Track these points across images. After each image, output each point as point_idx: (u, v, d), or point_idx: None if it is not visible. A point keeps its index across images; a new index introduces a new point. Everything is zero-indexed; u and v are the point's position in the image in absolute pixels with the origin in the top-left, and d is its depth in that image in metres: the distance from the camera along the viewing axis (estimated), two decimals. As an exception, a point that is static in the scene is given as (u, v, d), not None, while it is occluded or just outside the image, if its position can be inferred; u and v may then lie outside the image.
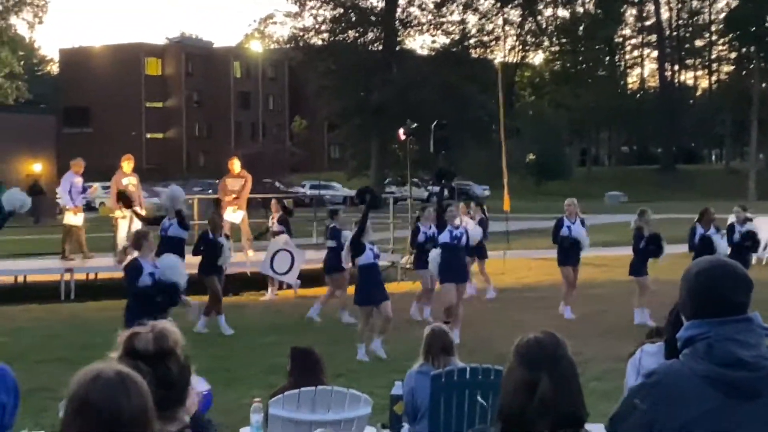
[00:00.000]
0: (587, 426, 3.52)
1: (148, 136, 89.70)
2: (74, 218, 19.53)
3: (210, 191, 36.48)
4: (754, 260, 19.12)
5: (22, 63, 73.44)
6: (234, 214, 20.28)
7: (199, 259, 15.49)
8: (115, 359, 2.87)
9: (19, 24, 70.79)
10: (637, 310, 15.41)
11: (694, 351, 3.28)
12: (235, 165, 21.13)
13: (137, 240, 11.61)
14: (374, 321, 13.01)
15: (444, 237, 14.16)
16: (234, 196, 20.50)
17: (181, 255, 14.27)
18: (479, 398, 6.78)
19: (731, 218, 18.12)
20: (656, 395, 3.27)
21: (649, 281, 15.55)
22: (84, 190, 20.01)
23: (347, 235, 15.31)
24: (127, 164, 20.05)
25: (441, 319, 12.30)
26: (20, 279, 19.65)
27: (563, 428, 3.25)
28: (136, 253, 11.35)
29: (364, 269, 13.10)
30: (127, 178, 19.79)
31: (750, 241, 16.98)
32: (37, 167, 51.48)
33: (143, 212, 19.84)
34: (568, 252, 16.17)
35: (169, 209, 15.65)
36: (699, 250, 14.96)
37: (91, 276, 19.77)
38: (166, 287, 10.78)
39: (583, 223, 16.79)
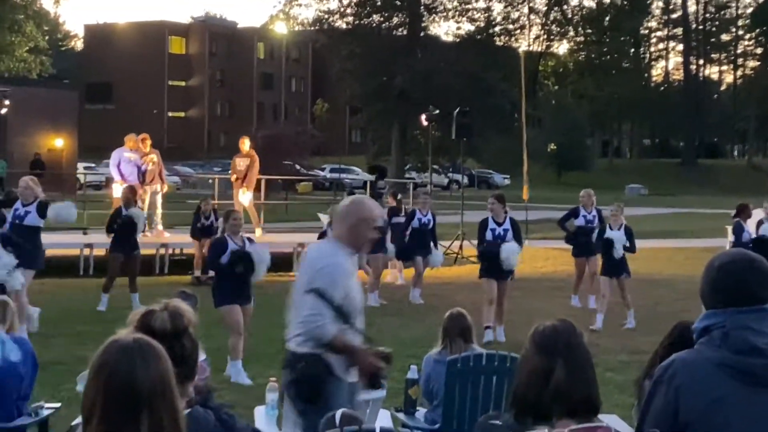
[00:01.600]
0: (601, 416, 3.53)
1: (170, 114, 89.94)
2: (118, 191, 19.57)
3: (230, 171, 36.50)
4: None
5: (46, 38, 73.58)
6: (243, 196, 20.36)
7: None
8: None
9: (44, 0, 71.05)
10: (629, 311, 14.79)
11: (710, 340, 3.34)
12: (244, 144, 21.13)
13: (225, 217, 11.41)
14: None
15: (487, 235, 13.20)
16: (240, 177, 20.57)
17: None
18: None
19: (760, 214, 17.94)
20: (675, 385, 3.32)
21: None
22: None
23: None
24: (140, 143, 19.93)
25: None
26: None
27: (577, 415, 3.27)
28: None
29: None
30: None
31: None
32: (58, 142, 51.62)
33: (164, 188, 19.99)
34: (584, 244, 15.82)
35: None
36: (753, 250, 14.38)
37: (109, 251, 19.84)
38: (244, 255, 10.56)
39: (600, 215, 16.64)
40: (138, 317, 3.08)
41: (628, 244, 14.53)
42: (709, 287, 3.42)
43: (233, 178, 21.06)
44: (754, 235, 15.73)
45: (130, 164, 19.60)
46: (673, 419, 3.30)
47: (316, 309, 5.40)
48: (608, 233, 14.48)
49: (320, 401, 5.48)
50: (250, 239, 11.43)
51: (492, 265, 12.92)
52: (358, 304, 5.69)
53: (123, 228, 14.91)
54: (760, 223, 16.71)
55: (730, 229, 17.06)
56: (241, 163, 20.86)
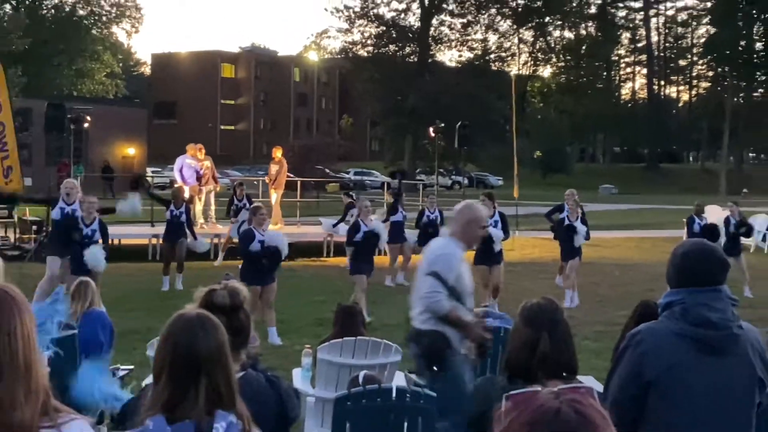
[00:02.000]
0: (579, 377, 3.54)
1: (222, 128, 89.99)
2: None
3: (266, 176, 36.54)
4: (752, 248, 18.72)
5: (120, 65, 73.91)
6: (272, 196, 20.45)
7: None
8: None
9: (119, 32, 71.35)
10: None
11: (671, 313, 3.35)
12: (276, 152, 21.08)
13: (253, 212, 11.44)
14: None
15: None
16: (272, 179, 20.56)
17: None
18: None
19: (725, 212, 17.85)
20: (641, 350, 3.32)
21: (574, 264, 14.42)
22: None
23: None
24: (197, 151, 19.95)
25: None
26: (116, 242, 19.81)
27: (559, 377, 3.28)
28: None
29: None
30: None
31: (744, 228, 16.55)
32: (131, 151, 51.90)
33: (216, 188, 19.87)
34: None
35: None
36: (699, 237, 14.48)
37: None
38: (272, 251, 10.71)
39: (582, 212, 16.46)
40: (203, 294, 3.10)
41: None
42: (674, 270, 3.43)
43: (268, 180, 21.21)
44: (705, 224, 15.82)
45: (191, 169, 19.67)
46: (638, 378, 3.29)
47: (434, 287, 5.53)
48: (571, 222, 14.32)
49: (444, 370, 5.52)
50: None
51: (484, 252, 12.61)
52: (468, 287, 5.77)
53: (171, 222, 15.18)
54: (727, 220, 16.51)
55: (710, 219, 17.06)
56: (273, 168, 20.86)
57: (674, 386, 3.25)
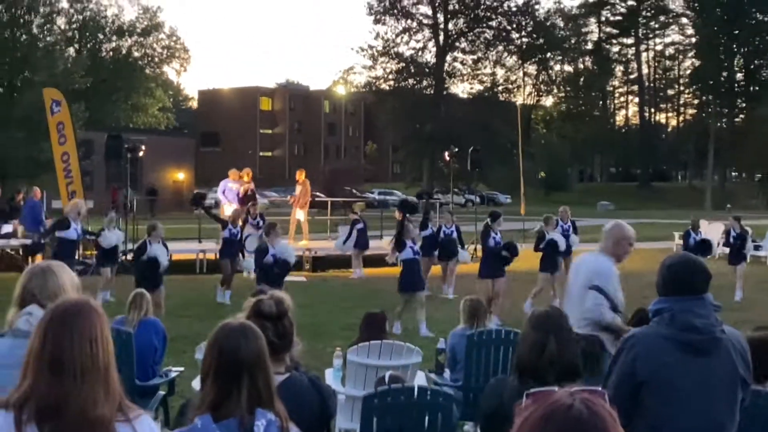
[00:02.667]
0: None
1: (261, 154, 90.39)
2: (228, 210, 19.73)
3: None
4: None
5: (171, 100, 74.50)
6: (299, 214, 20.34)
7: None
8: (242, 318, 2.92)
9: (169, 71, 72.00)
10: (529, 300, 13.56)
11: (660, 319, 3.39)
12: (299, 175, 20.84)
13: (267, 229, 11.58)
14: (415, 305, 11.84)
15: (491, 244, 12.58)
16: (296, 200, 20.42)
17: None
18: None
19: (722, 225, 17.54)
20: (634, 353, 3.34)
21: (557, 277, 13.82)
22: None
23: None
24: (245, 174, 20.03)
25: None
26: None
27: (565, 377, 3.25)
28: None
29: (406, 263, 11.96)
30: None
31: (740, 241, 15.94)
32: (180, 175, 52.23)
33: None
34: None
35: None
36: (694, 250, 14.09)
37: (218, 256, 19.88)
38: (282, 263, 10.84)
39: (574, 225, 16.35)
40: (251, 303, 3.09)
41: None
42: (662, 280, 3.45)
43: (291, 200, 21.00)
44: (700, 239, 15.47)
45: (232, 191, 19.75)
46: (631, 378, 3.31)
47: (597, 300, 5.56)
48: (552, 236, 13.93)
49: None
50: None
51: (493, 265, 12.35)
52: (621, 299, 5.78)
53: (230, 241, 15.08)
54: (728, 232, 16.19)
55: (677, 234, 16.81)
56: (297, 189, 20.69)
57: (664, 384, 3.27)
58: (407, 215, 13.27)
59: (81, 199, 14.08)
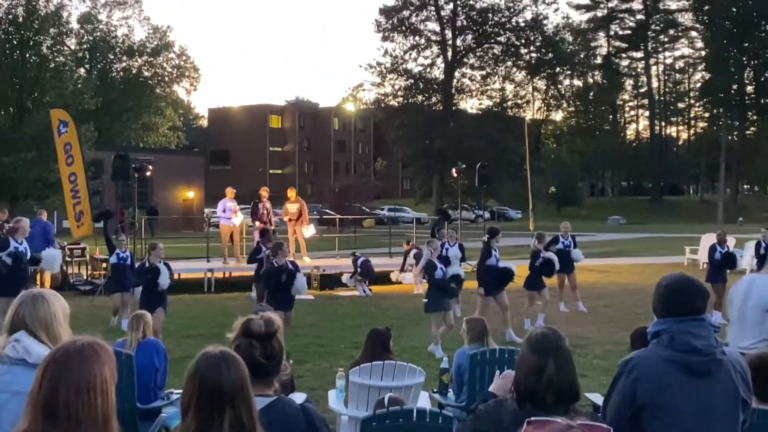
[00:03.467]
0: (588, 394, 3.43)
1: (271, 171, 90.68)
2: (226, 225, 19.68)
3: (314, 212, 36.27)
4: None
5: (181, 118, 74.82)
6: (306, 231, 19.88)
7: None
8: (231, 339, 2.85)
9: (179, 90, 72.33)
10: (527, 319, 13.59)
11: (660, 341, 3.35)
12: (290, 193, 20.38)
13: (275, 249, 11.47)
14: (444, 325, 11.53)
15: (492, 261, 12.67)
16: (293, 218, 19.80)
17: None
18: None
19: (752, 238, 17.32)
20: (634, 376, 3.29)
21: (545, 293, 13.84)
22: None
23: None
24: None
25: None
26: (175, 276, 19.80)
27: (564, 400, 3.18)
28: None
29: (435, 283, 11.70)
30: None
31: None
32: (191, 194, 52.32)
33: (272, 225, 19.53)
34: (562, 263, 14.63)
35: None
36: (720, 263, 14.72)
37: (227, 274, 19.89)
38: (291, 277, 10.96)
39: (575, 241, 16.37)
40: (241, 323, 3.02)
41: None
42: (659, 302, 3.39)
43: (286, 218, 20.21)
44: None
45: (230, 210, 19.75)
46: (631, 401, 3.26)
47: None
48: (546, 254, 13.90)
49: None
50: (294, 263, 11.55)
51: (497, 283, 12.54)
52: None
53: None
54: (758, 244, 16.02)
55: (688, 249, 16.58)
56: (291, 207, 19.97)
57: (665, 407, 3.23)
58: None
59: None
